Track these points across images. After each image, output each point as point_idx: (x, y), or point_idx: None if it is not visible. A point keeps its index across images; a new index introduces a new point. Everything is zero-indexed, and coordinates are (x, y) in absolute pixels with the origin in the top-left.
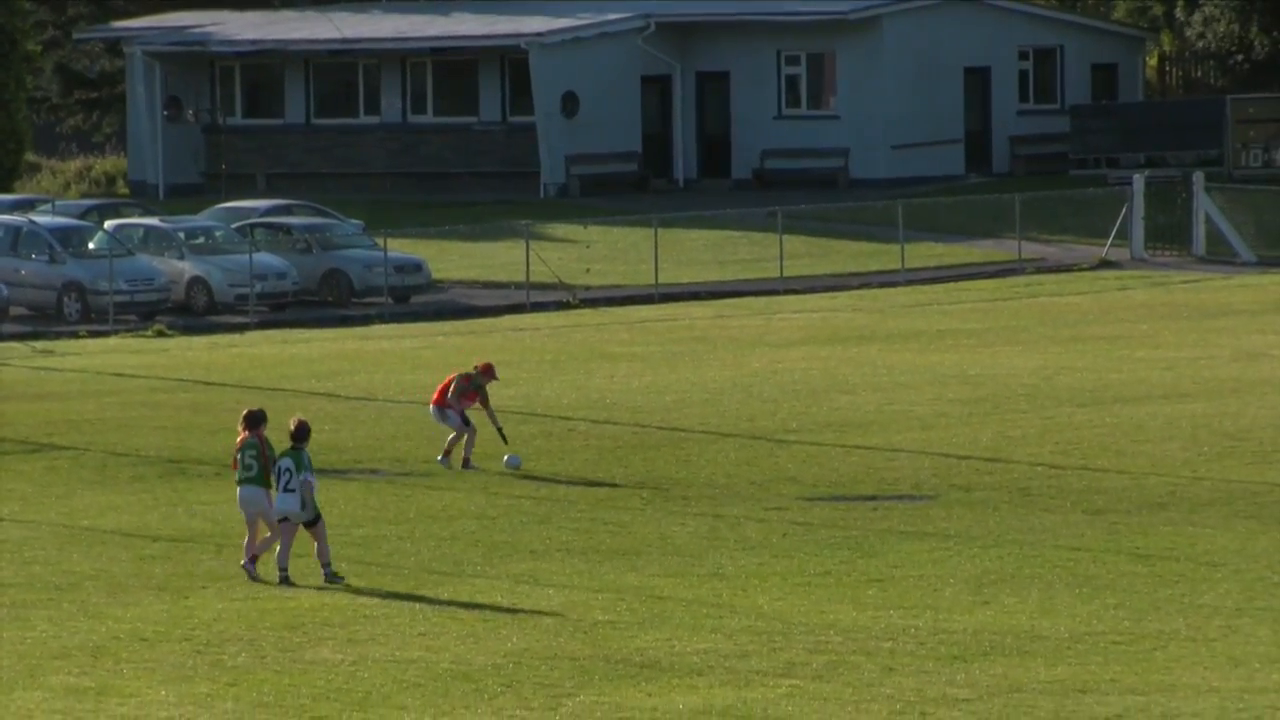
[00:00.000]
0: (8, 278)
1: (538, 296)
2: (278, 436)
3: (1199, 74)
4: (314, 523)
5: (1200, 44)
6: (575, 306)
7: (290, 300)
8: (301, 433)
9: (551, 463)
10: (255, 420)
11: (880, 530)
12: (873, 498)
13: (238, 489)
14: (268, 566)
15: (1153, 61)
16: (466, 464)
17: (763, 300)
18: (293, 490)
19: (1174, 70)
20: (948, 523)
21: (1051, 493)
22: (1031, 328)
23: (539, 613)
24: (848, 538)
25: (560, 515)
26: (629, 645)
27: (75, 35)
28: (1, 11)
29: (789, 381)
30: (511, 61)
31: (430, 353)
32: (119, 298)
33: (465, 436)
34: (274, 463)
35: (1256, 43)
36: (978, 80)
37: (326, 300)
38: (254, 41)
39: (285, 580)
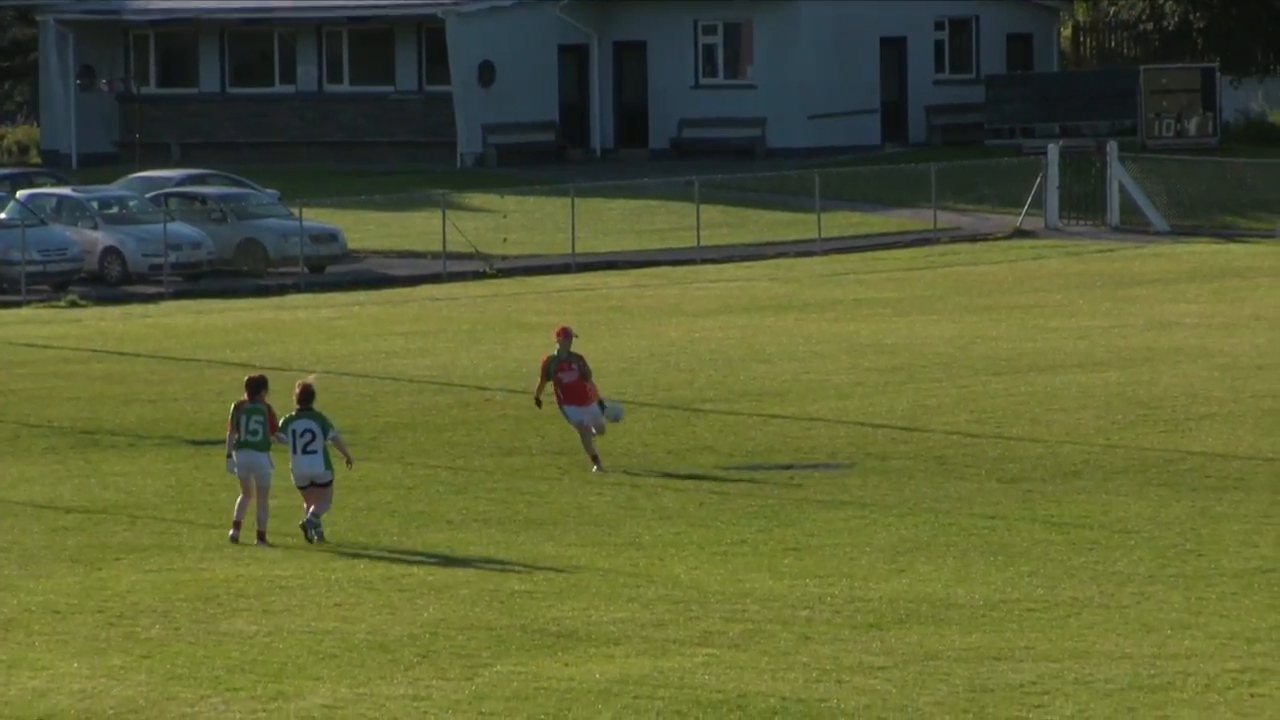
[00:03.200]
0: None
1: (454, 266)
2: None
3: (1112, 44)
4: (329, 482)
5: (1113, 14)
6: (492, 276)
7: (205, 270)
8: (308, 395)
9: (468, 432)
10: (258, 386)
11: (796, 499)
12: (789, 466)
13: (236, 454)
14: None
15: (1067, 32)
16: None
17: (680, 270)
18: (314, 451)
19: (1088, 40)
20: (864, 491)
21: (967, 461)
22: (947, 297)
23: (455, 583)
24: (764, 507)
25: (477, 485)
26: (545, 615)
27: None
28: None
29: (705, 351)
30: (428, 30)
31: (345, 322)
32: (31, 268)
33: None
34: (282, 428)
35: (1168, 13)
36: (894, 50)
37: (242, 270)
38: (168, 10)
39: (318, 536)
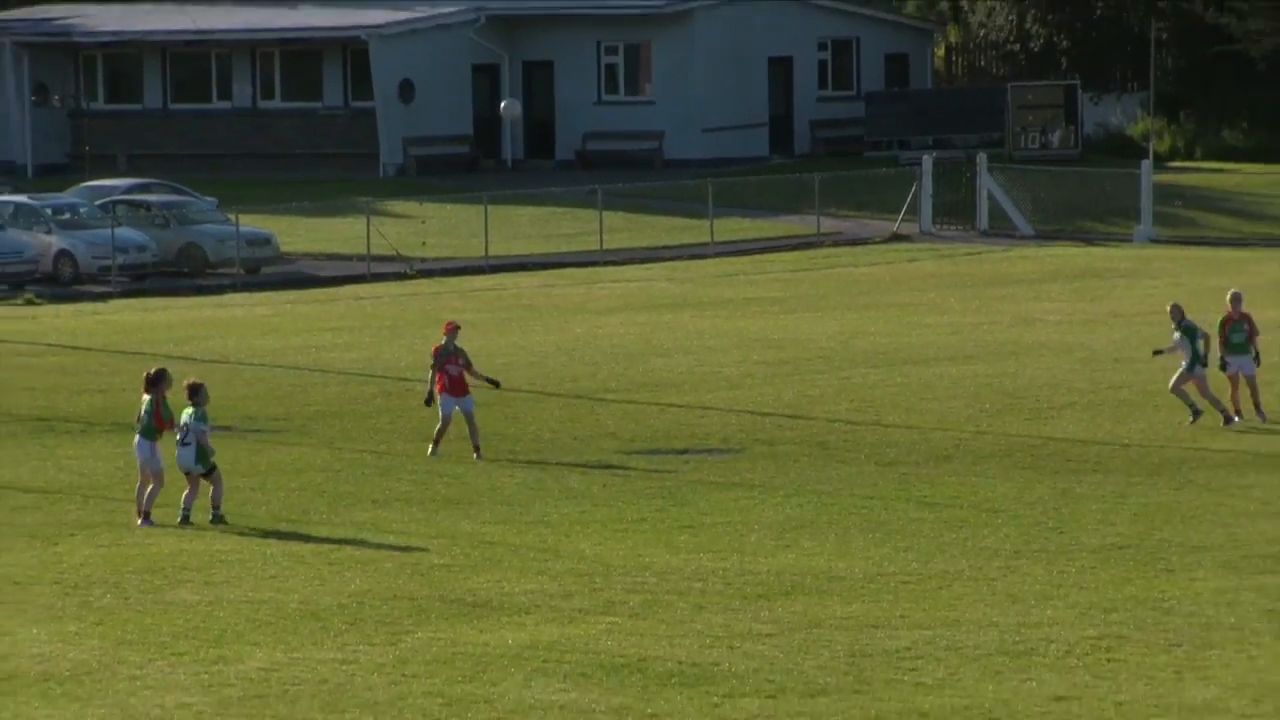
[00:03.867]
0: None
1: (378, 268)
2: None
3: (982, 63)
4: (210, 472)
5: (983, 35)
6: (412, 277)
7: (150, 271)
8: (194, 391)
9: (391, 419)
10: (153, 381)
11: (691, 481)
12: (684, 451)
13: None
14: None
15: (940, 52)
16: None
17: (584, 271)
18: (188, 444)
19: (960, 59)
20: (753, 474)
21: (847, 446)
22: (829, 296)
23: (380, 557)
24: (662, 488)
25: (399, 468)
26: (462, 586)
27: None
28: None
29: (608, 345)
30: (353, 51)
31: (279, 319)
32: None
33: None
34: (172, 420)
35: (1034, 34)
36: (781, 69)
37: (183, 271)
38: (115, 32)
39: (185, 521)
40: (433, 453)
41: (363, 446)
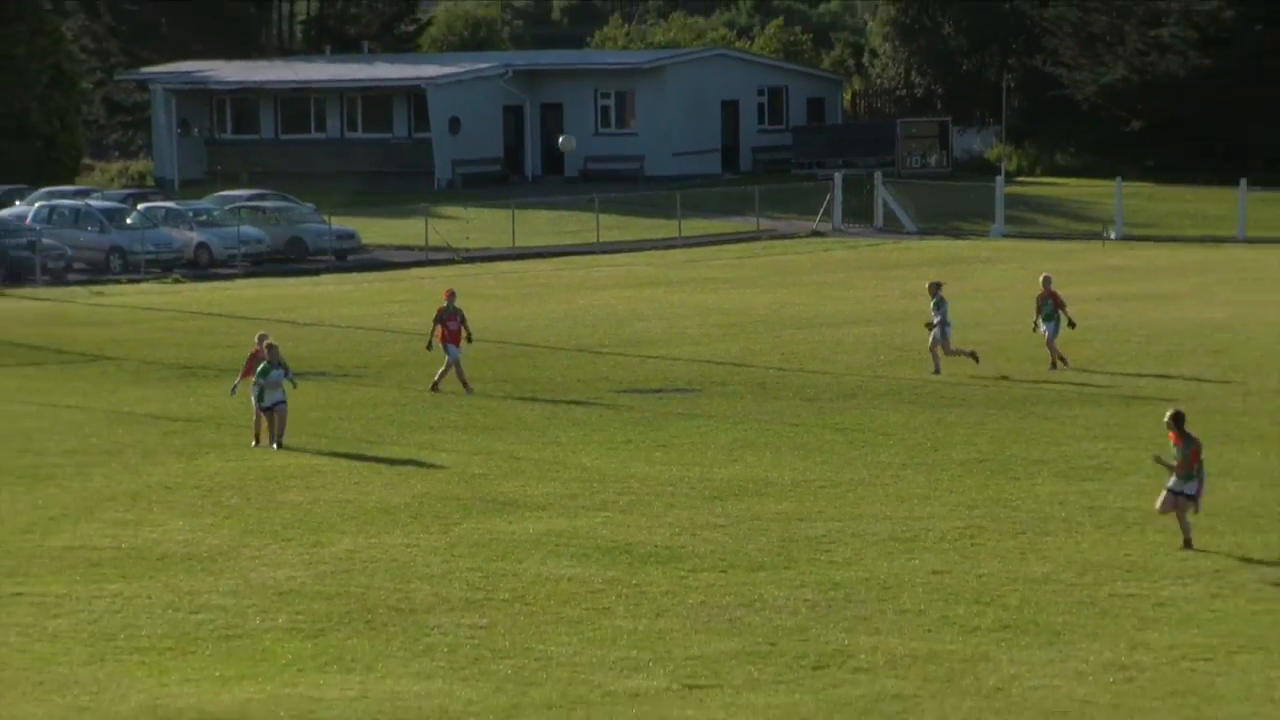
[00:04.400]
0: (71, 243)
1: (433, 256)
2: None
3: (878, 105)
4: (275, 407)
5: (879, 84)
6: (458, 261)
7: (265, 258)
8: (272, 351)
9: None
10: (266, 349)
11: (664, 412)
12: (659, 390)
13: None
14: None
15: (848, 96)
16: (435, 388)
17: (585, 258)
18: (275, 385)
19: (862, 102)
20: (709, 407)
21: (779, 387)
22: (766, 276)
23: (435, 468)
24: (642, 417)
25: (449, 404)
26: (495, 490)
27: (116, 77)
28: (64, 59)
29: (603, 313)
30: (414, 96)
31: (360, 293)
32: (147, 256)
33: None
34: (261, 373)
35: (915, 83)
36: (730, 109)
37: (289, 258)
38: (239, 82)
39: (279, 446)
40: (435, 387)
41: (422, 387)
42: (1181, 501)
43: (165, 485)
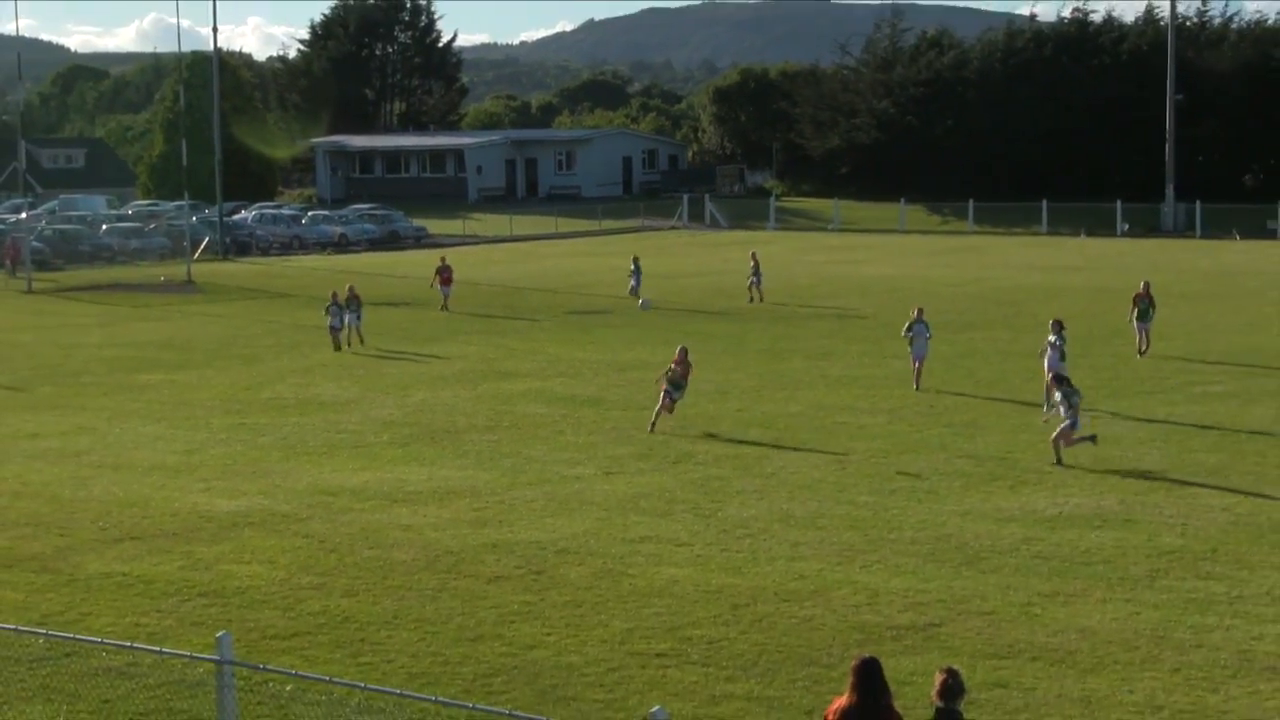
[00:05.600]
0: (271, 233)
1: (469, 239)
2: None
3: (706, 158)
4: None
5: (706, 146)
6: (482, 242)
7: (377, 242)
8: (353, 293)
9: (474, 301)
10: (350, 296)
11: (593, 324)
12: (590, 312)
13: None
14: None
15: (690, 153)
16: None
17: (550, 241)
18: (354, 314)
19: (697, 157)
20: (618, 321)
21: (656, 310)
22: (649, 251)
23: (465, 356)
24: (581, 326)
25: (468, 326)
26: (500, 366)
27: (296, 142)
28: (268, 134)
29: (559, 270)
30: (457, 154)
31: (429, 259)
32: (313, 240)
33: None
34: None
35: (725, 146)
36: (627, 161)
37: (390, 242)
38: (363, 146)
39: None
40: (444, 308)
41: (468, 310)
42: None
43: (322, 365)
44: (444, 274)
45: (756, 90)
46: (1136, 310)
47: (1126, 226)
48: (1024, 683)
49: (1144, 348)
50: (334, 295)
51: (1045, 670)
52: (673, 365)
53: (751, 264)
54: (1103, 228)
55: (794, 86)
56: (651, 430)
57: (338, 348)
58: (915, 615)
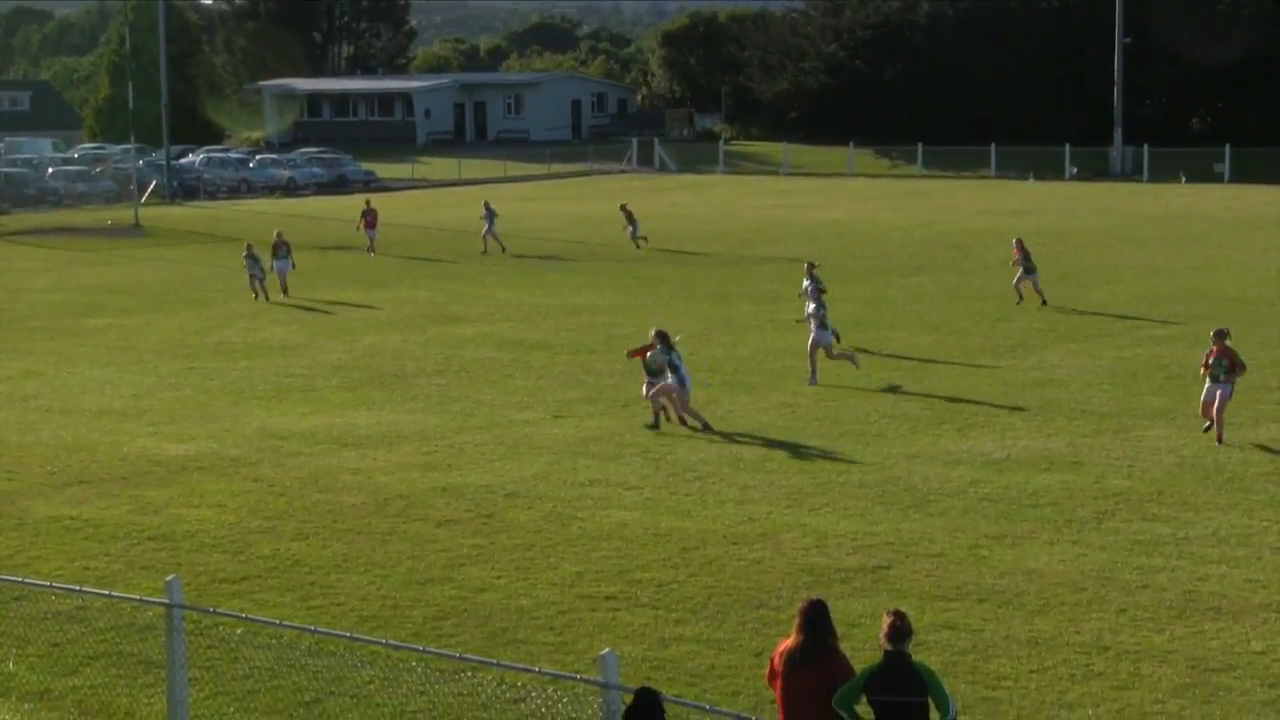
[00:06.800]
0: (219, 177)
1: (417, 183)
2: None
3: (656, 102)
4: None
5: (656, 90)
6: (429, 187)
7: (325, 185)
8: (280, 239)
9: (441, 239)
10: (275, 245)
11: (542, 269)
12: (539, 256)
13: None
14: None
15: (640, 97)
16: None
17: (498, 185)
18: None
19: (647, 100)
20: (567, 267)
21: (605, 256)
22: (596, 195)
23: (415, 299)
24: (531, 271)
25: (418, 265)
26: (450, 311)
27: (244, 86)
28: (216, 78)
29: (508, 215)
30: (406, 97)
31: (385, 202)
32: (261, 184)
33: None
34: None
35: (676, 90)
36: (576, 104)
37: (338, 186)
38: (312, 89)
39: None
40: (370, 251)
41: (394, 254)
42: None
43: (269, 310)
44: (368, 217)
45: (706, 34)
46: (1022, 268)
47: (1075, 170)
48: (971, 624)
49: (1043, 300)
50: (248, 245)
51: (993, 612)
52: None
53: (624, 216)
54: (1051, 171)
55: (743, 30)
56: (655, 426)
57: (257, 296)
58: (864, 558)
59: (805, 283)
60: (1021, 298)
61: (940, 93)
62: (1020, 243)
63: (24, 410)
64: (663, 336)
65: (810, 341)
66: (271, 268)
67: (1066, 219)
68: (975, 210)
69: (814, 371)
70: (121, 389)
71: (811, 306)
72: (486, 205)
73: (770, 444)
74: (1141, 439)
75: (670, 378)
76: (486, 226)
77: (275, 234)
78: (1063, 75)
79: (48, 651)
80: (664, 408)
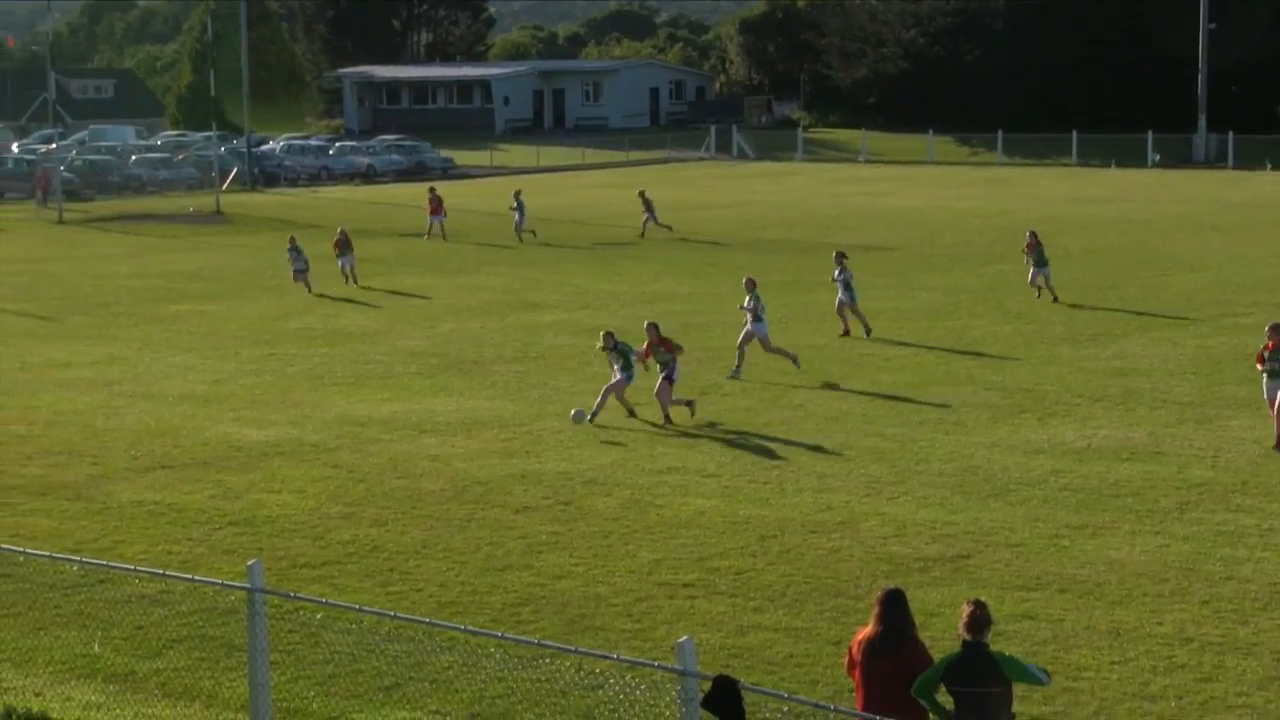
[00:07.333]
0: (299, 164)
1: (496, 170)
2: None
3: (734, 90)
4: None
5: (734, 78)
6: (508, 174)
7: (404, 173)
8: (343, 237)
9: (500, 221)
10: (340, 241)
11: (619, 256)
12: (617, 244)
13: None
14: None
15: (718, 84)
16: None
17: (576, 172)
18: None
19: (725, 88)
20: (644, 253)
21: (681, 243)
22: (674, 182)
23: (493, 286)
24: (608, 258)
25: (496, 251)
26: (527, 298)
27: (323, 74)
28: (295, 65)
29: (585, 202)
30: (484, 85)
31: (456, 190)
32: (341, 171)
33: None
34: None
35: (754, 77)
36: (654, 92)
37: (417, 173)
38: (391, 77)
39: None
40: (427, 236)
41: (477, 240)
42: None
43: (349, 296)
44: (432, 203)
45: (784, 21)
46: (1033, 261)
47: (1157, 157)
48: (1052, 614)
49: (1054, 297)
50: (291, 238)
51: (1073, 602)
52: (657, 347)
53: (643, 203)
54: (1133, 159)
55: (821, 16)
56: (667, 422)
57: (310, 289)
58: (943, 547)
59: (835, 271)
60: (1040, 293)
61: (1020, 79)
62: (1034, 234)
63: (108, 395)
64: (608, 336)
65: (743, 334)
66: (339, 265)
67: (1149, 206)
68: (1056, 198)
69: (739, 365)
70: (203, 374)
71: (842, 294)
72: (517, 195)
73: (848, 432)
74: (1225, 429)
75: (619, 372)
76: (517, 219)
77: (339, 231)
78: (1145, 61)
79: (132, 634)
80: (675, 405)
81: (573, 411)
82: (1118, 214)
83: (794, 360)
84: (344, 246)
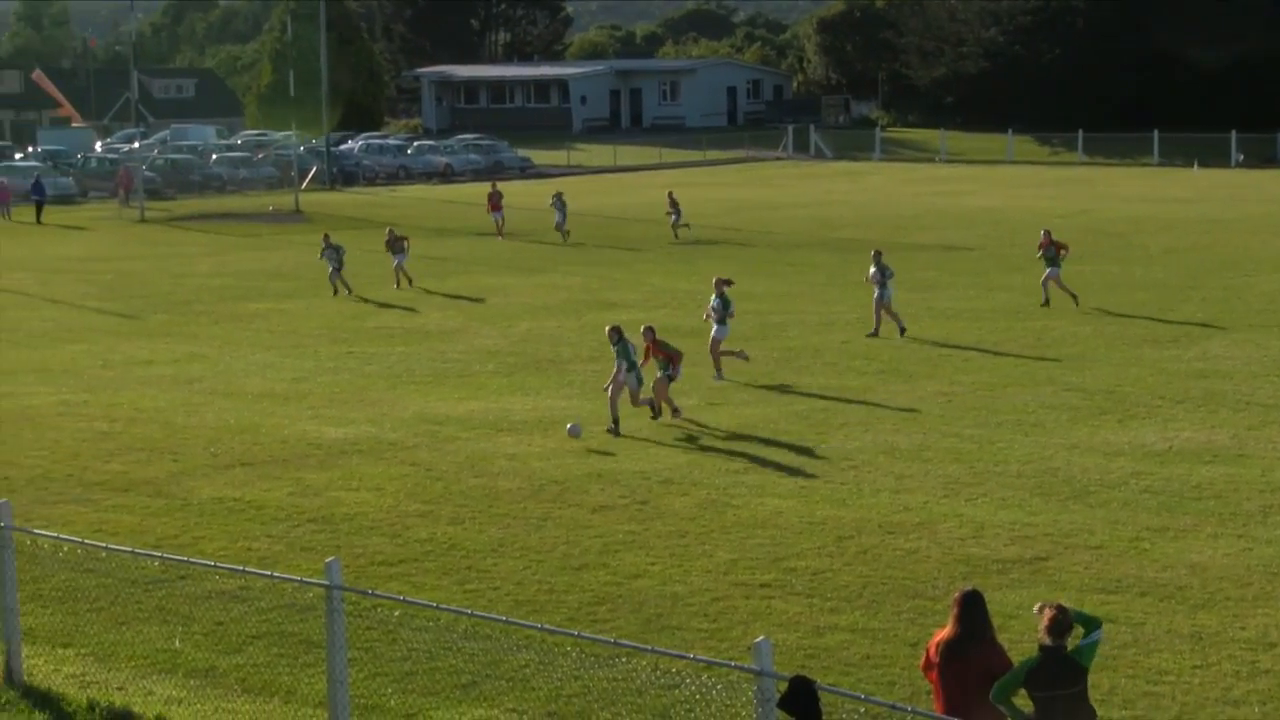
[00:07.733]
0: (378, 163)
1: (573, 169)
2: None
3: (811, 89)
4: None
5: (811, 77)
6: (586, 173)
7: (481, 172)
8: (394, 236)
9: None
10: (392, 240)
11: (696, 255)
12: (694, 243)
13: None
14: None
15: (795, 83)
16: None
17: (652, 172)
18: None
19: (802, 87)
20: (720, 253)
21: (755, 242)
22: (752, 181)
23: (569, 285)
24: (683, 258)
25: (572, 249)
26: (603, 297)
27: (402, 74)
28: (375, 65)
29: (661, 201)
30: (562, 84)
31: (531, 189)
32: (420, 170)
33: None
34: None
35: (831, 77)
36: (731, 91)
37: (494, 172)
38: (469, 77)
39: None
40: (499, 234)
41: (536, 239)
42: None
43: (427, 294)
44: (492, 200)
45: (862, 20)
46: (1045, 259)
47: (1241, 157)
48: (1133, 617)
49: (1074, 299)
50: (325, 237)
51: (1154, 605)
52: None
53: (669, 202)
54: (1216, 158)
55: (900, 16)
56: (675, 414)
57: (336, 291)
58: (1021, 549)
59: (871, 269)
60: (1049, 300)
61: (1101, 78)
62: (1048, 232)
63: (188, 393)
64: (614, 331)
65: (711, 339)
66: (393, 263)
67: (1232, 206)
68: (1137, 197)
69: (719, 369)
70: (282, 372)
71: (878, 293)
72: (559, 196)
73: (926, 433)
74: None
75: (624, 371)
76: (558, 218)
77: (388, 231)
78: (1228, 59)
79: (212, 630)
80: (642, 405)
81: (569, 426)
82: (1200, 214)
83: (743, 356)
84: (394, 246)
